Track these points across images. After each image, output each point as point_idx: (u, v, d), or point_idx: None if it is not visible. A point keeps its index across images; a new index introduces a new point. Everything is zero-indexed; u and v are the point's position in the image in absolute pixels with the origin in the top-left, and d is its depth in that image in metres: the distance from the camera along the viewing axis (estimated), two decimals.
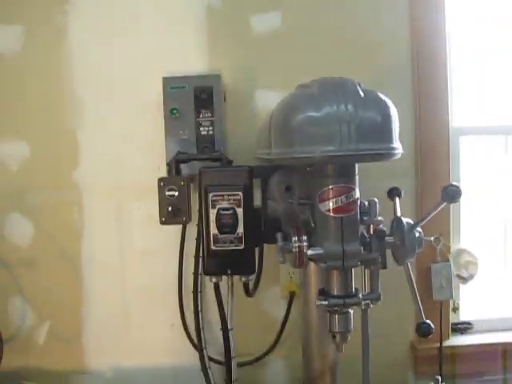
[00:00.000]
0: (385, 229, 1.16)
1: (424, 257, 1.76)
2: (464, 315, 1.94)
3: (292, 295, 1.75)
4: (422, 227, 1.18)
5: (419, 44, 1.75)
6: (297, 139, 1.06)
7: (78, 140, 1.75)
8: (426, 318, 1.20)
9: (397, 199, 1.29)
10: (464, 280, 1.80)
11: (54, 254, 1.78)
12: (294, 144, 1.06)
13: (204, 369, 1.65)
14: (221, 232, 1.32)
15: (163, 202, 1.48)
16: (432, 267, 1.77)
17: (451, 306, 1.88)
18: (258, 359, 1.77)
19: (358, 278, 1.22)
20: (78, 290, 1.79)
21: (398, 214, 1.24)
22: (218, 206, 1.31)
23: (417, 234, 1.17)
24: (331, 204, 1.11)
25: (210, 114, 1.62)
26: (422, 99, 1.76)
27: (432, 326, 1.19)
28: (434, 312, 1.75)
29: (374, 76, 1.65)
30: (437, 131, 1.77)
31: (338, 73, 1.16)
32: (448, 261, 1.78)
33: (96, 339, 1.80)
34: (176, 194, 1.47)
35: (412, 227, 1.16)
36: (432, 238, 1.71)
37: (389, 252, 1.17)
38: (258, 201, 1.43)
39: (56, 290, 1.79)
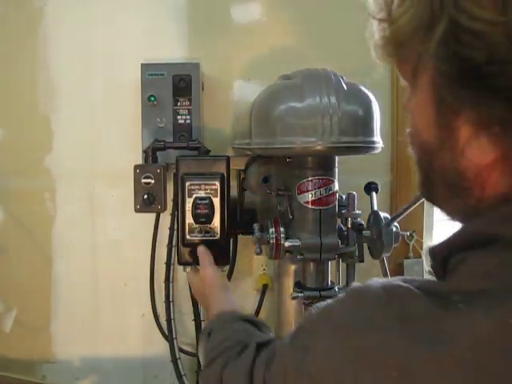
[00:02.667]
0: (362, 222, 1.16)
1: (396, 252, 1.78)
2: None
3: (265, 288, 1.75)
4: (397, 222, 1.19)
5: None
6: (278, 130, 1.06)
7: (52, 125, 1.71)
8: None
9: (374, 194, 1.29)
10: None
11: (24, 241, 1.74)
12: (274, 134, 1.06)
13: (174, 360, 1.64)
14: (196, 222, 1.31)
15: (139, 189, 1.46)
16: (404, 263, 1.79)
17: None
18: None
19: (333, 271, 1.23)
20: (47, 278, 1.76)
21: (375, 208, 1.25)
22: (194, 195, 1.30)
23: (394, 229, 1.18)
24: (310, 196, 1.11)
25: (187, 103, 1.60)
26: (400, 96, 1.77)
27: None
28: None
29: (354, 70, 1.65)
30: None
31: (317, 66, 1.15)
32: (420, 257, 1.79)
33: (65, 328, 1.77)
34: (152, 181, 1.46)
35: (389, 222, 1.17)
36: (407, 233, 1.72)
37: (365, 246, 1.18)
38: (234, 191, 1.43)
39: (24, 278, 1.76)
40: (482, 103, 0.50)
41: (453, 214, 0.62)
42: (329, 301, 0.63)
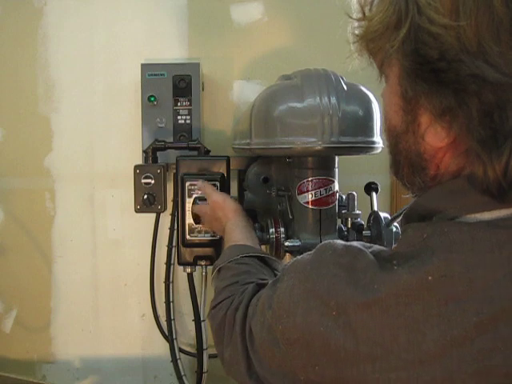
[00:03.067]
0: (362, 222, 1.16)
1: None
2: None
3: None
4: (397, 222, 1.19)
5: None
6: (278, 130, 1.05)
7: (52, 125, 1.72)
8: None
9: (374, 194, 1.29)
10: None
11: (24, 241, 1.74)
12: (274, 134, 1.06)
13: (174, 360, 1.64)
14: (196, 222, 1.31)
15: (139, 189, 1.46)
16: None
17: None
18: None
19: None
20: (47, 278, 1.76)
21: (375, 208, 1.25)
22: (194, 195, 1.30)
23: (394, 229, 1.17)
24: (310, 196, 1.11)
25: (187, 103, 1.60)
26: None
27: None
28: None
29: (354, 71, 1.65)
30: None
31: (317, 66, 1.15)
32: None
33: (65, 328, 1.77)
34: (152, 181, 1.45)
35: (389, 222, 1.16)
36: None
37: None
38: (234, 191, 1.43)
39: (24, 278, 1.76)
40: (434, 94, 0.60)
41: (416, 191, 0.72)
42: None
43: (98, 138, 1.71)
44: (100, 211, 1.73)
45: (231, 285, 0.96)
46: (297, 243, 1.11)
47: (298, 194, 1.12)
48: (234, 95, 1.73)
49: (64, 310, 1.77)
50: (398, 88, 0.64)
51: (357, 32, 0.69)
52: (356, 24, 0.69)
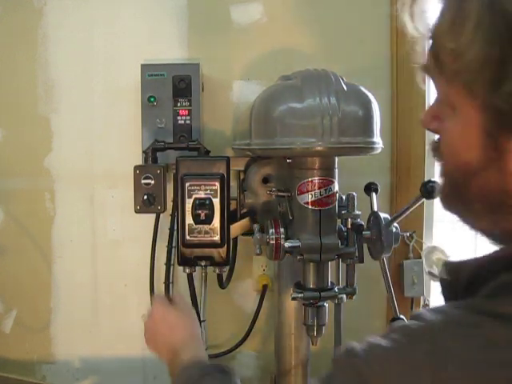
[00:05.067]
0: (362, 223, 1.16)
1: (396, 253, 1.78)
2: None
3: (264, 288, 1.75)
4: (397, 223, 1.19)
5: (399, 43, 1.76)
6: (278, 130, 1.05)
7: (52, 126, 1.72)
8: None
9: (374, 194, 1.29)
10: (435, 277, 1.82)
11: (24, 242, 1.74)
12: (274, 135, 1.06)
13: None
14: (196, 222, 1.31)
15: (139, 190, 1.45)
16: (404, 264, 1.78)
17: (422, 302, 1.89)
18: (228, 352, 1.76)
19: (333, 272, 1.22)
20: (47, 278, 1.76)
21: (375, 208, 1.25)
22: (194, 196, 1.30)
23: (393, 230, 1.17)
24: (310, 196, 1.11)
25: (187, 104, 1.60)
26: (400, 97, 1.77)
27: (406, 321, 1.20)
28: (405, 308, 1.76)
29: (354, 72, 1.65)
30: (413, 129, 1.78)
31: (317, 66, 1.15)
32: (420, 258, 1.79)
33: (65, 328, 1.77)
34: (152, 182, 1.45)
35: (389, 222, 1.16)
36: (407, 234, 1.72)
37: (365, 246, 1.18)
38: (234, 192, 1.43)
39: (24, 278, 1.76)
40: None
41: (486, 229, 0.64)
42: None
43: (98, 138, 1.71)
44: (100, 211, 1.73)
45: None
46: (296, 244, 1.12)
47: (298, 195, 1.12)
48: (233, 95, 1.73)
49: (64, 310, 1.77)
50: (480, 121, 0.57)
51: (445, 60, 0.60)
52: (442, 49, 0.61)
